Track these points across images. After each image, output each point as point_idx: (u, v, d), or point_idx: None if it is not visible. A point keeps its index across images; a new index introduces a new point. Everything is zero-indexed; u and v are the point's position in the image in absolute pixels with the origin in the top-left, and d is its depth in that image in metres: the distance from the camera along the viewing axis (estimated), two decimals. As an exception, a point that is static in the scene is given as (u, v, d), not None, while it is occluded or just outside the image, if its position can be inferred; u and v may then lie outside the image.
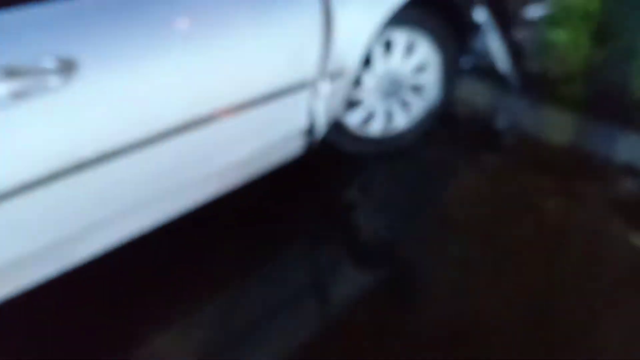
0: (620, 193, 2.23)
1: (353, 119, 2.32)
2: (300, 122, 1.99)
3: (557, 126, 2.57)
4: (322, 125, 2.07)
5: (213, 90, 1.67)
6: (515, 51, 2.89)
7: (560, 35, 2.85)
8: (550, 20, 2.91)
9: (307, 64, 1.85)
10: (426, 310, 1.77)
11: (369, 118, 2.36)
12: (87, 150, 1.45)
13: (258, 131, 1.87)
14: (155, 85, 1.55)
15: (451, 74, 2.47)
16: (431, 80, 2.40)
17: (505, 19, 2.95)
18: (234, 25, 1.68)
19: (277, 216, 2.11)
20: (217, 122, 1.68)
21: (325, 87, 1.97)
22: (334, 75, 1.99)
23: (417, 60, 2.32)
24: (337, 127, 2.27)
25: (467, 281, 1.85)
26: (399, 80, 2.33)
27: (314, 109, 1.99)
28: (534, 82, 2.73)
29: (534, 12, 3.03)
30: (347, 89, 2.09)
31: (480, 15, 2.56)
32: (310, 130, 2.04)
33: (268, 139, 1.92)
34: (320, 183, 2.32)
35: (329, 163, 2.35)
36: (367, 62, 2.21)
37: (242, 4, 1.69)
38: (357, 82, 2.24)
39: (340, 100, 2.11)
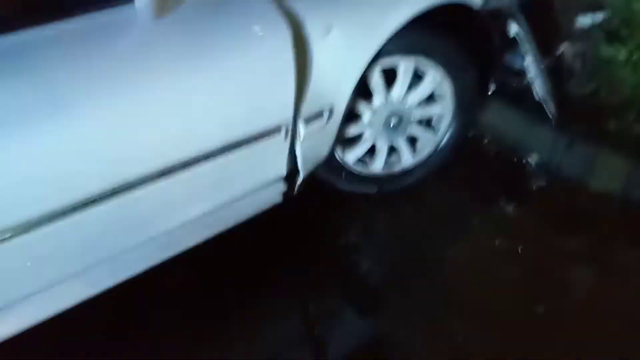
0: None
1: (352, 156, 1.98)
2: (277, 168, 1.68)
3: (604, 171, 2.06)
4: (305, 169, 1.76)
5: (174, 140, 1.39)
6: (558, 71, 2.43)
7: (618, 52, 2.33)
8: (607, 33, 2.40)
9: (280, 107, 1.54)
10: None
11: (370, 154, 2.03)
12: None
13: (229, 179, 1.59)
14: (119, 135, 1.30)
15: (470, 103, 2.06)
16: (443, 112, 2.02)
17: (548, 32, 2.51)
18: (198, 69, 1.38)
19: (264, 264, 1.85)
20: (181, 173, 1.41)
21: (305, 130, 1.65)
22: (316, 117, 1.67)
23: (425, 90, 1.94)
24: (333, 164, 1.96)
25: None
26: (404, 113, 1.96)
27: (293, 154, 1.69)
28: (580, 111, 2.21)
29: (585, 21, 2.53)
30: (334, 128, 1.75)
31: (514, 28, 2.12)
32: (290, 176, 1.75)
33: (241, 187, 1.64)
34: (313, 228, 2.00)
35: (327, 205, 2.03)
36: (368, 93, 1.88)
37: (206, 48, 1.39)
38: (356, 116, 1.92)
39: (328, 140, 1.78)
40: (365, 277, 1.91)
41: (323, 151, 1.80)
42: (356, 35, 1.66)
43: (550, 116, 2.16)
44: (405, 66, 1.86)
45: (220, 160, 1.48)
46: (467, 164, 2.19)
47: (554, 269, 1.79)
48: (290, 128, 1.59)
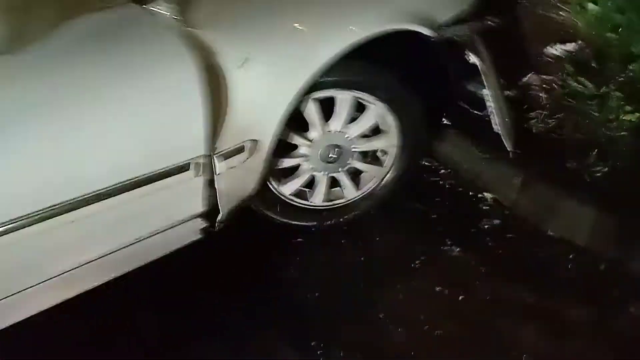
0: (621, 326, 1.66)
1: (289, 189, 1.87)
2: (191, 205, 1.57)
3: (560, 215, 1.90)
4: (226, 205, 1.65)
5: (78, 178, 1.29)
6: (522, 103, 2.29)
7: (586, 86, 2.12)
8: (576, 65, 2.23)
9: (187, 143, 1.42)
10: None
11: (309, 187, 1.90)
12: None
13: (136, 217, 1.47)
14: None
15: (418, 137, 1.93)
16: (388, 145, 1.88)
17: (514, 60, 2.38)
18: (99, 103, 1.27)
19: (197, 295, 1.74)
20: (73, 214, 1.30)
21: (222, 166, 1.54)
22: (236, 152, 1.55)
23: (365, 124, 1.81)
24: (268, 197, 1.84)
25: None
26: (345, 146, 1.84)
27: (211, 190, 1.58)
28: (541, 147, 2.05)
29: (554, 51, 2.39)
30: (260, 163, 1.64)
31: (473, 56, 1.99)
32: (210, 213, 1.64)
33: (153, 224, 1.52)
34: (251, 262, 1.86)
35: (266, 238, 1.89)
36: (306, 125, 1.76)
37: (109, 85, 1.28)
38: (292, 148, 1.80)
39: (253, 175, 1.66)
40: (298, 314, 1.79)
41: (248, 186, 1.68)
42: (281, 67, 1.55)
43: (509, 151, 2.03)
44: (342, 99, 1.74)
45: (121, 199, 1.37)
46: (417, 197, 2.06)
47: (494, 323, 1.66)
48: (203, 164, 1.48)
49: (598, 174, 1.90)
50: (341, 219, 1.99)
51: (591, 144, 1.99)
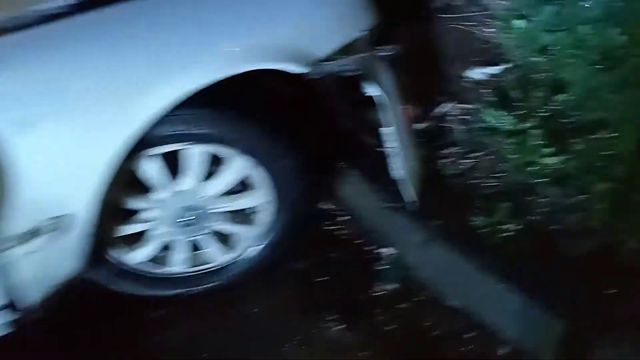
0: None
1: (139, 257, 1.57)
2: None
3: (462, 283, 1.58)
4: (36, 293, 1.36)
5: None
6: (434, 138, 1.98)
7: (503, 120, 1.77)
8: (497, 93, 1.84)
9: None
10: None
11: (164, 253, 1.61)
12: None
13: None
14: None
15: (298, 189, 1.60)
16: (259, 203, 1.58)
17: (428, 88, 2.05)
18: None
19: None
20: None
21: (16, 252, 1.25)
22: (33, 234, 1.26)
23: (224, 182, 1.52)
24: (109, 269, 1.55)
25: None
26: (203, 207, 1.55)
27: (8, 281, 1.29)
28: (448, 197, 1.71)
29: (475, 75, 2.06)
30: (76, 238, 1.35)
31: (372, 89, 1.68)
32: (12, 304, 1.35)
33: None
34: (108, 334, 1.59)
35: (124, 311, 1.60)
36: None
37: None
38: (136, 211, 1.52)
39: (71, 253, 1.36)
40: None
41: (67, 267, 1.38)
42: (89, 126, 1.23)
43: (410, 201, 1.74)
44: (188, 155, 1.44)
45: None
46: (305, 255, 1.76)
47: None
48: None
49: (508, 233, 1.60)
50: (211, 286, 1.70)
51: (505, 193, 1.69)
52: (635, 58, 1.70)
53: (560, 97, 1.78)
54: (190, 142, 1.42)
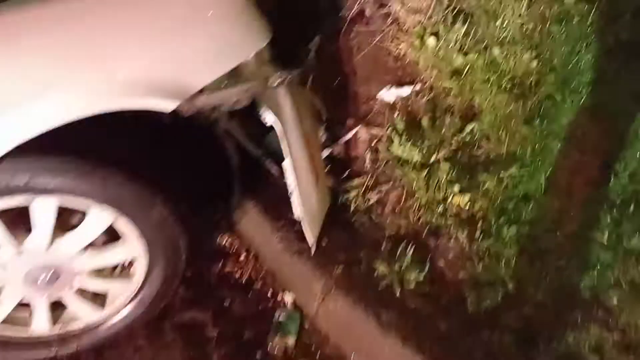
0: None
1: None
2: None
3: (370, 343, 1.41)
4: None
5: None
6: (343, 166, 1.80)
7: (410, 152, 1.60)
8: (407, 118, 1.72)
9: None
10: None
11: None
12: None
13: None
14: None
15: (177, 233, 1.39)
16: (130, 256, 1.37)
17: (338, 110, 1.87)
18: None
19: None
20: None
21: None
22: None
23: (83, 235, 1.29)
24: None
25: None
26: (61, 264, 1.33)
27: None
28: (350, 239, 1.55)
29: (389, 96, 1.90)
30: None
31: (270, 117, 1.49)
32: None
33: None
34: None
35: None
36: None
37: None
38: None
39: None
40: None
41: None
42: None
43: (310, 244, 1.58)
44: (31, 209, 1.20)
45: None
46: (199, 303, 1.57)
47: None
48: None
49: (411, 283, 1.47)
50: (85, 346, 1.49)
51: (411, 235, 1.55)
52: (548, 86, 1.60)
53: (470, 126, 1.67)
54: (32, 194, 1.20)
